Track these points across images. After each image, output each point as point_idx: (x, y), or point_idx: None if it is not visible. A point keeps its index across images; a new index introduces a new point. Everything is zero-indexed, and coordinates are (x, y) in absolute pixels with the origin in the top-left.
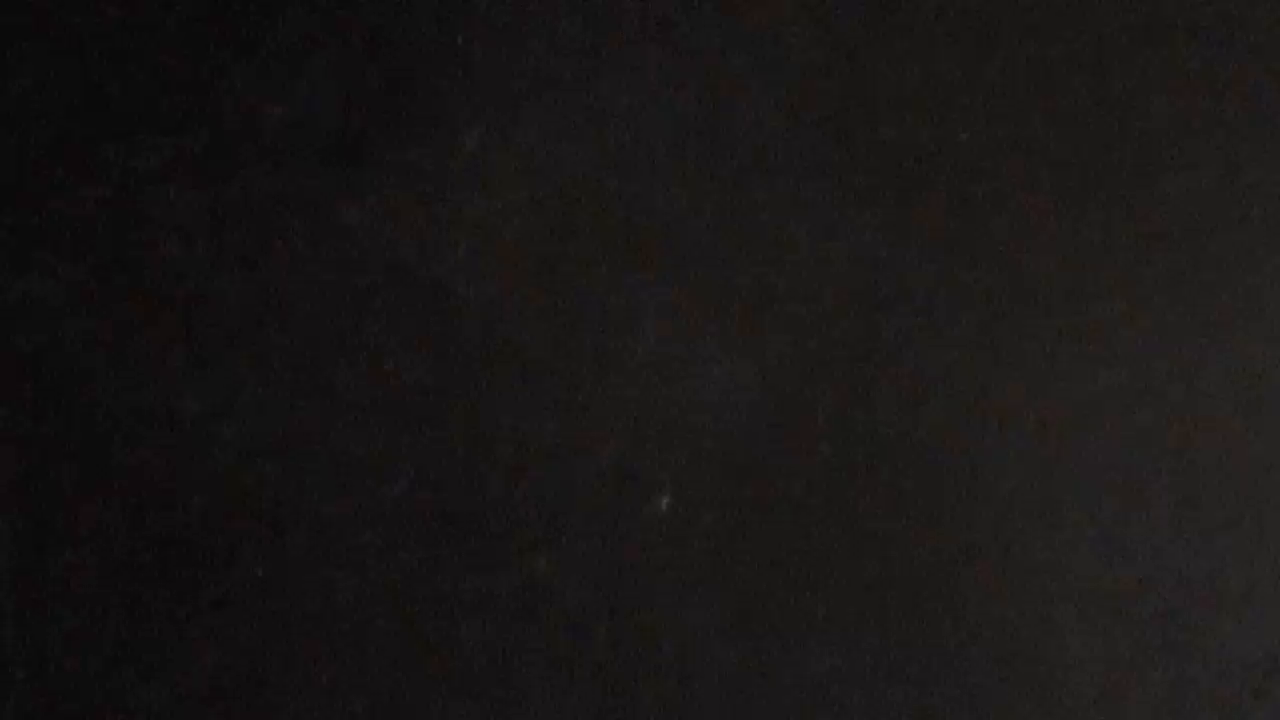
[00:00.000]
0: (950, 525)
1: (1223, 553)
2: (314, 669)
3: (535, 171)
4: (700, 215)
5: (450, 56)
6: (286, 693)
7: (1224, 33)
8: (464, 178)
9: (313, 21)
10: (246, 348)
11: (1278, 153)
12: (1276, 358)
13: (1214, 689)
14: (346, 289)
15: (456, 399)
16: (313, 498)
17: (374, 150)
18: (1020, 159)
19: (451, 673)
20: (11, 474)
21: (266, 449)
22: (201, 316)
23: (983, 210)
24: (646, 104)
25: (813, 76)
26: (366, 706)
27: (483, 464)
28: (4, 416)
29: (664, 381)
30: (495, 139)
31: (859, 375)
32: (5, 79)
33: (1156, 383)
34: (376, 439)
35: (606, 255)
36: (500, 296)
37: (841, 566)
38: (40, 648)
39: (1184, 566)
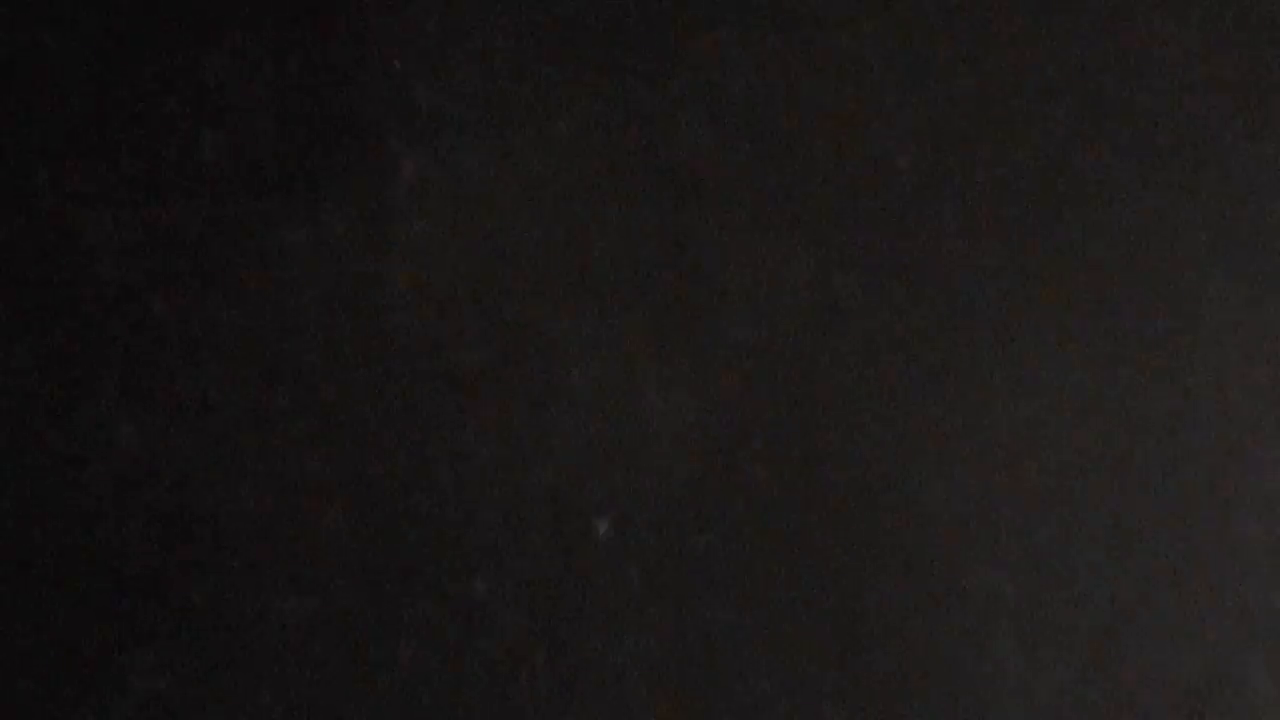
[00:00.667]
0: (887, 548)
1: (1157, 574)
2: (251, 696)
3: (474, 199)
4: (639, 243)
5: (388, 84)
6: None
7: (1159, 62)
8: (402, 205)
9: (250, 48)
10: (183, 374)
11: (1212, 180)
12: (1210, 382)
13: (1150, 710)
14: (284, 315)
15: (395, 425)
16: (251, 524)
17: (312, 177)
18: (958, 185)
19: (391, 696)
20: None
21: (204, 476)
22: (137, 342)
23: (920, 236)
24: (585, 132)
25: (752, 104)
26: None
27: (421, 489)
28: None
29: (603, 407)
30: (434, 167)
31: (796, 401)
32: None
33: (1091, 407)
34: (314, 465)
35: (545, 283)
36: (439, 323)
37: (779, 590)
38: None
39: (1119, 588)
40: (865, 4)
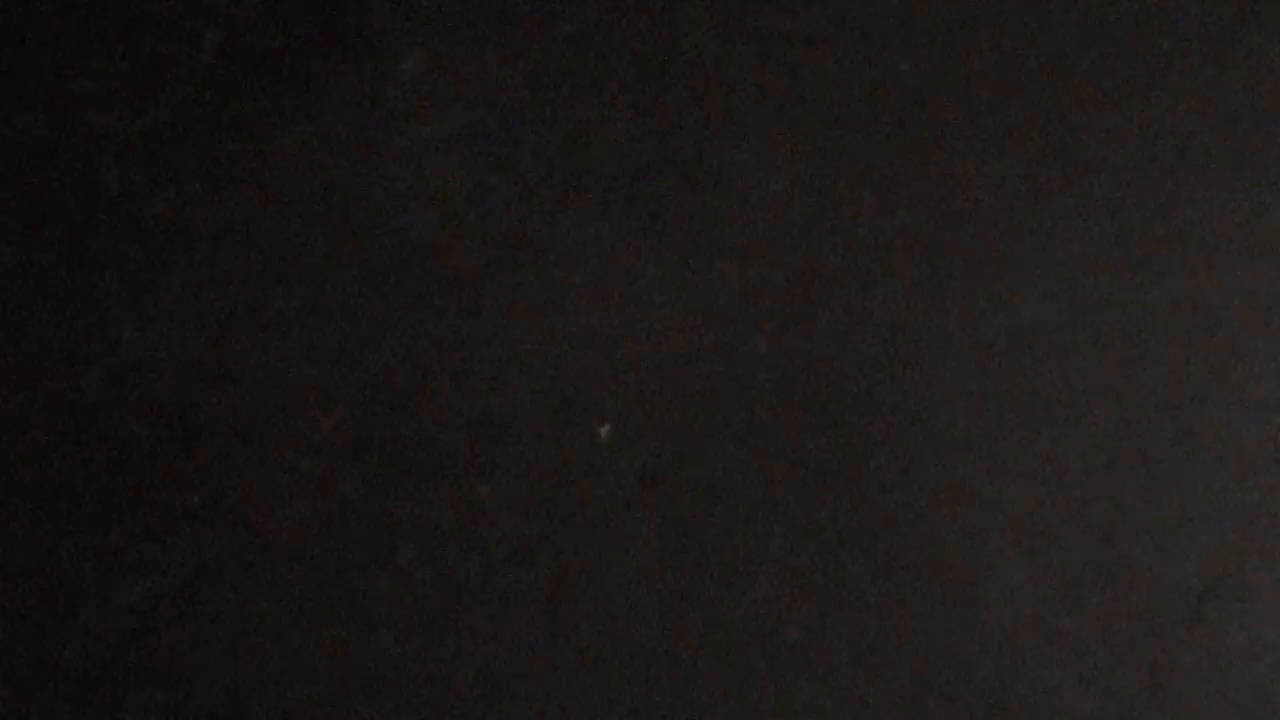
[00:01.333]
0: (887, 453)
1: (1157, 478)
2: (249, 598)
3: (475, 97)
4: (641, 144)
5: None
6: (220, 623)
7: None
8: (403, 103)
9: None
10: (182, 275)
11: (1212, 86)
12: (1212, 285)
13: (1149, 614)
14: (283, 215)
15: (395, 327)
16: (250, 426)
17: (311, 74)
18: (960, 91)
19: (392, 601)
20: None
21: (203, 376)
22: (136, 243)
23: (922, 141)
24: (588, 30)
25: (756, 6)
26: (303, 636)
27: (422, 392)
28: None
29: (604, 311)
30: (435, 64)
31: (798, 305)
32: None
33: (1093, 311)
34: (314, 367)
35: (547, 184)
36: (439, 224)
37: (780, 495)
38: None
39: (1118, 492)
40: None
